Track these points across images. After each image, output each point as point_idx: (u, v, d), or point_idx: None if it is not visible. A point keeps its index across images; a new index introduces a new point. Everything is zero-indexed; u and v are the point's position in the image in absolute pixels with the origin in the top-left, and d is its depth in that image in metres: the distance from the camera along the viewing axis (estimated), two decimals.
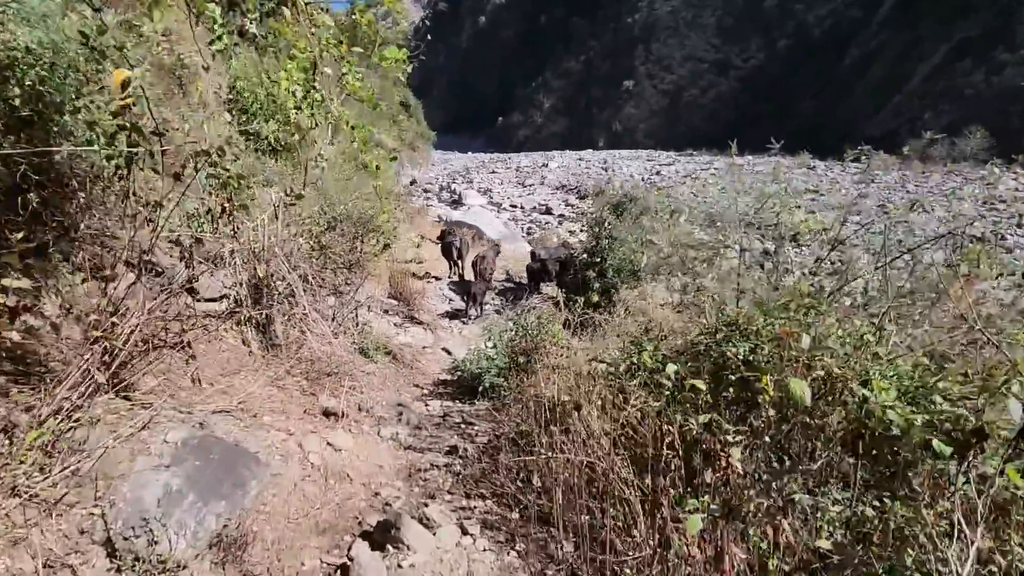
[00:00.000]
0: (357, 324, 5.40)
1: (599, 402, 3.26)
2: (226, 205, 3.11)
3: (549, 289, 9.39)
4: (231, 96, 10.83)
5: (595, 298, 8.16)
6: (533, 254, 9.63)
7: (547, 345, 5.32)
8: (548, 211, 31.02)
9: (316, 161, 4.58)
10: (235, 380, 3.76)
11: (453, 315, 8.71)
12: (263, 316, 4.38)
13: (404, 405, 4.64)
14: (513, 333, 5.52)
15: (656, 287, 9.94)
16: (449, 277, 10.29)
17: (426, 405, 5.12)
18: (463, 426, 4.49)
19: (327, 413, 3.90)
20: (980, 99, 44.91)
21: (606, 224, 8.48)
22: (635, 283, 8.65)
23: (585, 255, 8.74)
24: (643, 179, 38.19)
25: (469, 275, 10.15)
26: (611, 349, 6.43)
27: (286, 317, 4.65)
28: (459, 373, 5.70)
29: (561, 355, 5.92)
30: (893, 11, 57.78)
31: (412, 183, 32.18)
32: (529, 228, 28.84)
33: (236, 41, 11.34)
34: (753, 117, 62.64)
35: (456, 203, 31.56)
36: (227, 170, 2.71)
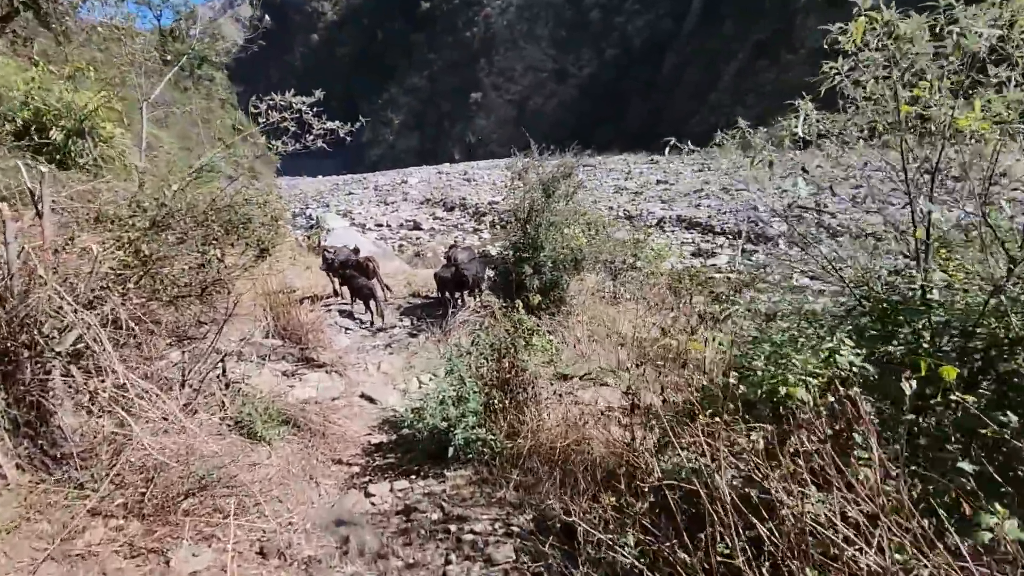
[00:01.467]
0: (228, 386, 3.24)
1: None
2: None
3: (471, 300, 7.69)
4: None
5: (536, 299, 6.68)
6: (448, 258, 7.86)
7: (529, 366, 3.66)
8: (417, 226, 29.41)
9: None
10: None
11: (367, 336, 6.76)
12: (22, 406, 2.14)
13: (347, 522, 2.62)
14: (479, 355, 3.75)
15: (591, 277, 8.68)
16: (333, 301, 8.16)
17: (367, 495, 3.14)
18: (452, 527, 2.63)
19: None
20: (777, 94, 52.00)
21: (535, 209, 6.99)
22: (577, 274, 7.31)
23: (512, 250, 7.20)
24: (506, 186, 38.10)
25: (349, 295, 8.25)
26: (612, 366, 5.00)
27: (84, 396, 2.43)
28: (404, 429, 3.77)
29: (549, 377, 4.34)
30: (698, 21, 65.13)
31: None
32: (400, 245, 26.93)
33: None
34: (594, 120, 66.75)
35: (314, 228, 28.68)
36: None
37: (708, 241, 22.56)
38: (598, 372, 4.74)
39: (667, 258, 9.97)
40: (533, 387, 3.60)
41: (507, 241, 7.58)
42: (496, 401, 3.49)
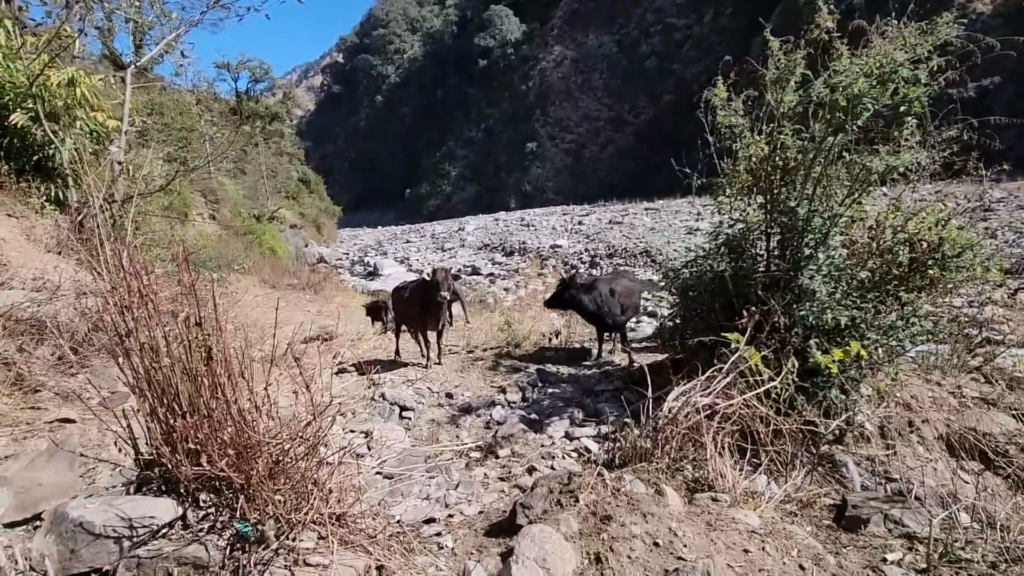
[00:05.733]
0: None
1: None
2: None
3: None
4: None
5: (844, 357, 2.95)
6: (573, 277, 5.69)
7: None
8: (476, 271, 28.42)
9: None
10: None
11: (442, 418, 4.16)
12: None
13: None
14: None
15: None
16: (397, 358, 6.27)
17: None
18: None
19: None
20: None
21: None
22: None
23: (736, 239, 3.95)
24: (566, 230, 36.92)
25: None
26: None
27: None
28: None
29: None
30: (758, 64, 63.82)
31: (319, 261, 28.67)
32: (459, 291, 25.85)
33: None
34: (653, 166, 65.37)
35: (372, 274, 28.53)
36: None
37: None
38: None
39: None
40: None
41: (728, 225, 4.19)
42: None
